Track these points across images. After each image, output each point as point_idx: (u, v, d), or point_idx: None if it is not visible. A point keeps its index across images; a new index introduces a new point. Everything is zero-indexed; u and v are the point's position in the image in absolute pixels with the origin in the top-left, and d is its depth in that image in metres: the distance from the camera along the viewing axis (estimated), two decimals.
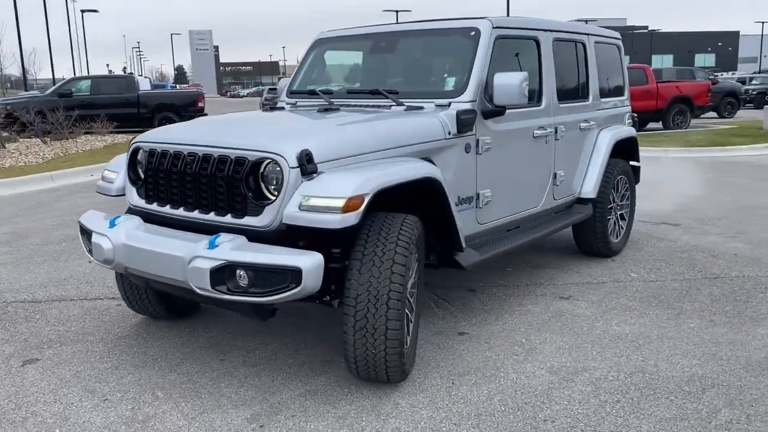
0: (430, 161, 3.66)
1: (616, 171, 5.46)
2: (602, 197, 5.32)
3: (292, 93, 4.80)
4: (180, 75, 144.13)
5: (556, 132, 4.74)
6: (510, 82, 3.88)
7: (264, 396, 3.26)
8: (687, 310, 4.35)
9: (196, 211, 3.29)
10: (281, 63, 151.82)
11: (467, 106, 3.92)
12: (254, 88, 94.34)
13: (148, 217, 3.48)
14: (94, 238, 3.40)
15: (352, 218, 2.91)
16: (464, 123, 3.82)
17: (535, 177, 4.62)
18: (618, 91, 5.89)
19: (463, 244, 3.72)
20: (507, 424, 2.96)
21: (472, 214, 4.01)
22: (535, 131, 4.51)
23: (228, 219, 3.17)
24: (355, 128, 3.46)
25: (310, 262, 2.84)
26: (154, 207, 3.51)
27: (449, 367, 3.55)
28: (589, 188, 5.22)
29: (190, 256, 2.98)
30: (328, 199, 2.93)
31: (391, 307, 3.00)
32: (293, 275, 2.83)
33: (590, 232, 5.42)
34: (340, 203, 2.90)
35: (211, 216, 3.23)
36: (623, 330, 4.02)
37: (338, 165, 3.15)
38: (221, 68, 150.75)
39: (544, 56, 4.65)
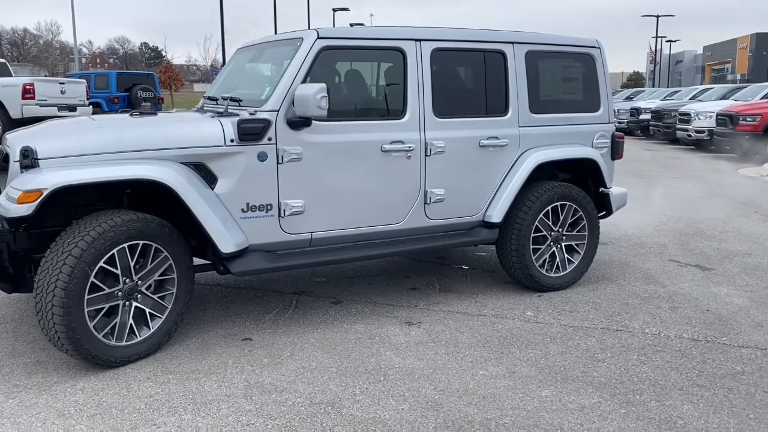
0: (203, 166, 3.76)
1: (547, 196, 4.77)
2: (517, 224, 4.71)
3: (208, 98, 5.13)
4: None
5: (426, 148, 4.36)
6: (305, 94, 3.78)
7: None
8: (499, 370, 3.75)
9: None
10: None
11: (264, 115, 3.90)
12: None
13: None
14: None
15: (23, 209, 3.23)
16: (247, 132, 3.81)
17: (390, 193, 4.31)
18: (585, 106, 5.10)
19: (226, 250, 3.73)
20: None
21: (271, 223, 3.96)
22: (385, 145, 4.22)
23: None
24: (102, 132, 3.70)
25: None
26: None
27: (194, 363, 3.65)
28: (494, 212, 4.66)
29: None
30: (15, 190, 3.28)
31: (56, 294, 3.25)
32: None
33: (506, 260, 4.84)
34: (16, 195, 3.24)
35: None
36: (394, 362, 3.65)
37: (66, 163, 3.46)
38: None
39: (411, 68, 4.31)
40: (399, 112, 4.33)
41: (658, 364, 3.69)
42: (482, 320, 4.34)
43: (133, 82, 20.68)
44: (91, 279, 3.36)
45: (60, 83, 15.07)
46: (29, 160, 3.40)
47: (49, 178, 3.30)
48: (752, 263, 5.81)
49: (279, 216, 3.98)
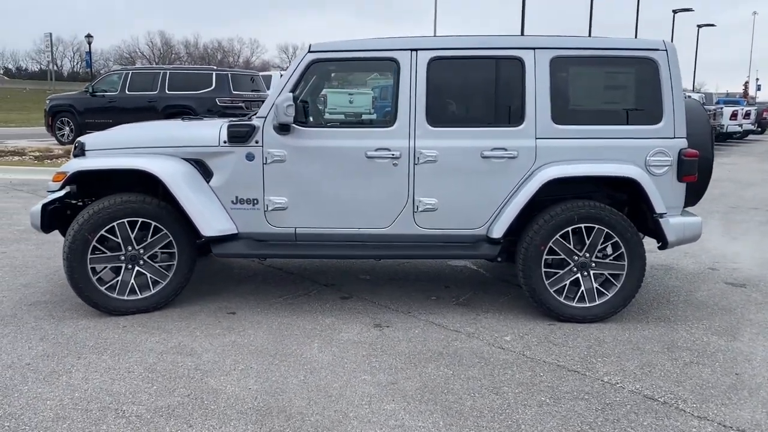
0: (202, 162, 4.35)
1: (565, 216, 4.16)
2: (525, 243, 4.22)
3: None
4: None
5: (414, 156, 4.22)
6: (277, 103, 4.10)
7: None
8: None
9: None
10: None
11: (253, 121, 4.30)
12: None
13: None
14: None
15: (54, 186, 4.23)
16: (234, 135, 4.26)
17: (375, 197, 4.30)
18: (638, 118, 4.26)
19: (206, 233, 4.25)
20: None
21: (257, 215, 4.35)
22: (369, 152, 4.23)
23: None
24: (132, 131, 4.51)
25: (35, 208, 4.33)
26: None
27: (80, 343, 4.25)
28: (495, 227, 4.25)
29: None
30: (58, 172, 4.32)
31: (65, 251, 4.18)
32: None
33: (518, 280, 4.36)
34: (53, 175, 4.26)
35: None
36: (310, 355, 3.72)
37: (104, 153, 4.40)
38: None
39: (404, 77, 4.23)
40: (389, 121, 4.31)
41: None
42: (450, 335, 4.06)
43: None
44: (93, 243, 4.23)
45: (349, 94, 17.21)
46: (78, 149, 4.43)
47: (73, 165, 4.28)
48: None
49: (264, 210, 4.35)
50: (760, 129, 26.14)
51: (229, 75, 14.48)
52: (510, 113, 4.32)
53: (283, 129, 4.26)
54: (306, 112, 4.48)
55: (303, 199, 4.35)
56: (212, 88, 14.11)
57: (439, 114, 4.30)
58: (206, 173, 4.38)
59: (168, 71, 14.68)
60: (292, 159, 4.30)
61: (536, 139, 4.25)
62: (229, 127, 4.31)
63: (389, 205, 4.34)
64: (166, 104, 14.13)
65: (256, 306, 4.59)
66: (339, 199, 4.35)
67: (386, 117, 4.37)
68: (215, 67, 15.58)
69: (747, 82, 58.16)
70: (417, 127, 4.26)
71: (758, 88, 61.14)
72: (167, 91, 14.30)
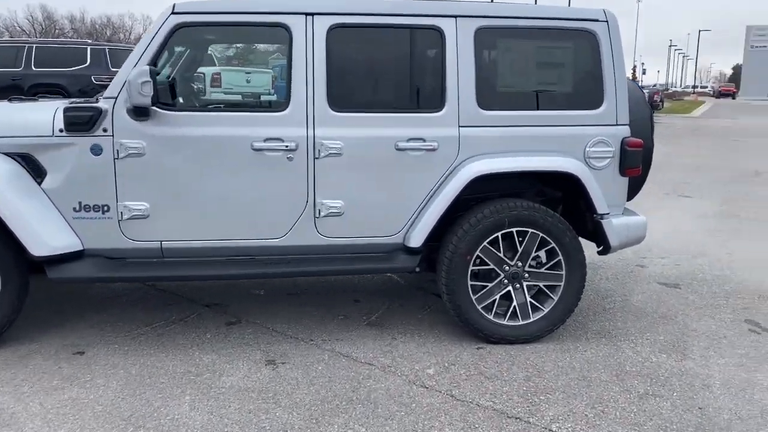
0: (30, 158, 3.28)
1: (494, 219, 3.45)
2: (448, 252, 3.48)
3: None
4: (735, 76, 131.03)
5: (314, 149, 3.37)
6: (129, 79, 3.10)
7: None
8: None
9: None
10: None
11: (100, 103, 3.28)
12: None
13: None
14: None
15: None
16: (73, 121, 3.22)
17: (265, 201, 3.41)
18: (577, 102, 3.61)
19: (38, 252, 3.19)
20: None
21: (109, 227, 3.34)
22: (256, 143, 3.33)
23: None
24: None
25: None
26: None
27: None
28: (413, 234, 3.49)
29: None
30: None
31: None
32: None
33: (443, 300, 3.63)
34: None
35: None
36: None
37: None
38: None
39: (298, 49, 3.35)
40: (280, 104, 3.43)
41: None
42: (361, 370, 3.25)
43: None
44: None
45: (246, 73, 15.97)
46: None
47: None
48: None
49: (118, 219, 3.35)
50: (652, 110, 27.09)
51: (107, 50, 12.86)
52: (428, 96, 3.54)
53: (139, 113, 3.25)
54: (173, 91, 3.49)
55: (170, 204, 3.37)
56: (87, 64, 12.47)
57: (343, 96, 3.44)
58: (37, 172, 3.30)
59: (34, 45, 12.85)
60: (153, 152, 3.31)
61: (459, 127, 3.49)
62: (66, 111, 3.25)
63: (284, 210, 3.45)
64: (33, 83, 12.36)
65: (114, 341, 3.58)
66: (218, 204, 3.40)
67: (277, 99, 3.48)
68: (89, 41, 13.87)
69: (634, 67, 60.95)
70: (316, 113, 3.39)
71: (644, 72, 64.31)
72: (34, 68, 12.52)
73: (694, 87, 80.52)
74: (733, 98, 64.72)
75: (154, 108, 3.26)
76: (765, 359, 3.51)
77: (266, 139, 3.36)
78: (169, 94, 3.42)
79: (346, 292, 4.45)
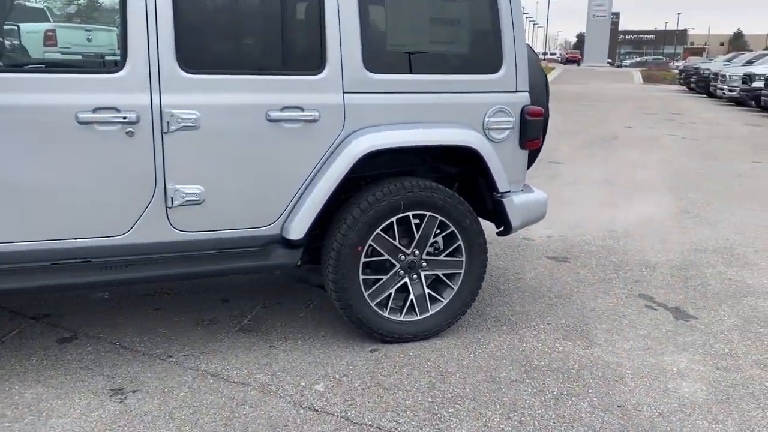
0: None
1: (388, 203, 2.96)
2: (336, 243, 2.94)
3: None
4: (580, 43, 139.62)
5: (161, 120, 2.67)
6: None
7: None
8: None
9: None
10: (690, 32, 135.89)
11: None
12: (642, 59, 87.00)
13: None
14: None
15: None
16: None
17: (100, 189, 2.66)
18: (474, 65, 3.18)
19: None
20: None
21: None
22: (83, 114, 2.57)
23: None
24: None
25: None
26: None
27: None
28: (293, 224, 2.91)
29: None
30: None
31: None
32: None
33: (328, 293, 3.10)
34: None
35: None
36: None
37: None
38: (620, 36, 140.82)
39: None
40: (115, 63, 2.67)
41: None
42: (235, 394, 2.65)
43: None
44: None
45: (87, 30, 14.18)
46: None
47: None
48: (756, 309, 3.71)
49: None
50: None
51: None
52: (305, 54, 2.92)
53: None
54: None
55: None
56: None
57: (197, 52, 2.73)
58: None
59: None
60: None
61: (344, 93, 2.91)
62: None
63: (126, 199, 2.70)
64: None
65: None
66: (38, 194, 2.59)
67: (109, 56, 2.72)
68: None
69: None
70: (162, 74, 2.66)
71: None
72: None
73: (545, 54, 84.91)
74: (578, 65, 68.98)
75: None
76: (667, 339, 3.35)
77: (96, 109, 2.58)
78: None
79: (211, 290, 3.77)
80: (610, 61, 78.15)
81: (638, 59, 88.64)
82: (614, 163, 8.54)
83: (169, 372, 2.83)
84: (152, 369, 2.84)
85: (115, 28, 11.64)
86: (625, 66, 75.80)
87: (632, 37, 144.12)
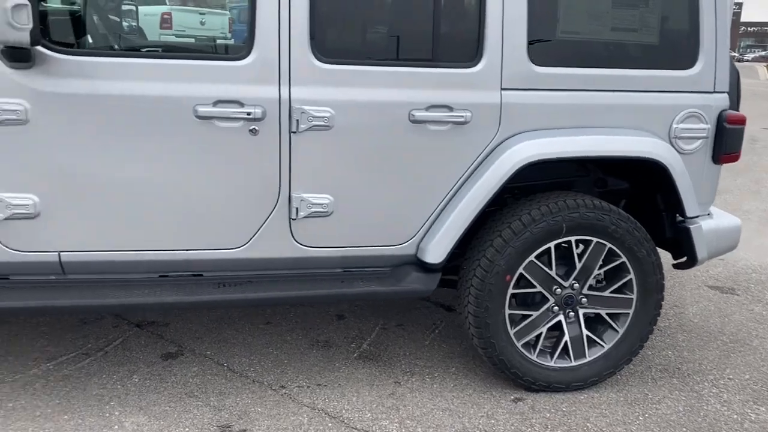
0: None
1: (546, 224, 2.42)
2: (479, 270, 2.44)
3: None
4: None
5: (290, 118, 2.25)
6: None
7: None
8: None
9: None
10: None
11: None
12: (766, 52, 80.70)
13: None
14: None
15: None
16: None
17: (217, 195, 2.28)
18: (663, 59, 2.55)
19: None
20: None
21: None
22: (202, 107, 2.19)
23: None
24: None
25: None
26: None
27: None
28: (431, 244, 2.43)
29: None
30: None
31: None
32: None
33: (465, 328, 2.60)
34: None
35: None
36: None
37: None
38: (741, 29, 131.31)
39: None
40: (239, 49, 2.27)
41: None
42: None
43: None
44: None
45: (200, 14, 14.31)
46: None
47: None
48: None
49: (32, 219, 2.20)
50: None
51: None
52: (458, 43, 2.42)
53: (16, 56, 2.06)
54: (82, 27, 2.30)
55: (71, 196, 2.21)
56: None
57: (334, 40, 2.31)
58: None
59: None
60: (41, 117, 2.13)
61: (501, 90, 2.40)
62: None
63: (245, 208, 2.33)
64: None
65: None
66: (146, 197, 2.26)
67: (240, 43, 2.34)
68: None
69: None
70: (293, 63, 2.25)
71: None
72: None
73: None
74: None
75: (39, 48, 2.08)
76: None
77: (216, 102, 2.21)
78: (71, 28, 2.24)
79: (325, 304, 3.39)
80: (733, 54, 72.66)
81: (762, 53, 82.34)
82: (760, 171, 7.51)
83: (282, 408, 2.44)
84: (263, 403, 2.47)
85: (227, 12, 11.36)
86: (747, 60, 70.34)
87: (755, 29, 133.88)
